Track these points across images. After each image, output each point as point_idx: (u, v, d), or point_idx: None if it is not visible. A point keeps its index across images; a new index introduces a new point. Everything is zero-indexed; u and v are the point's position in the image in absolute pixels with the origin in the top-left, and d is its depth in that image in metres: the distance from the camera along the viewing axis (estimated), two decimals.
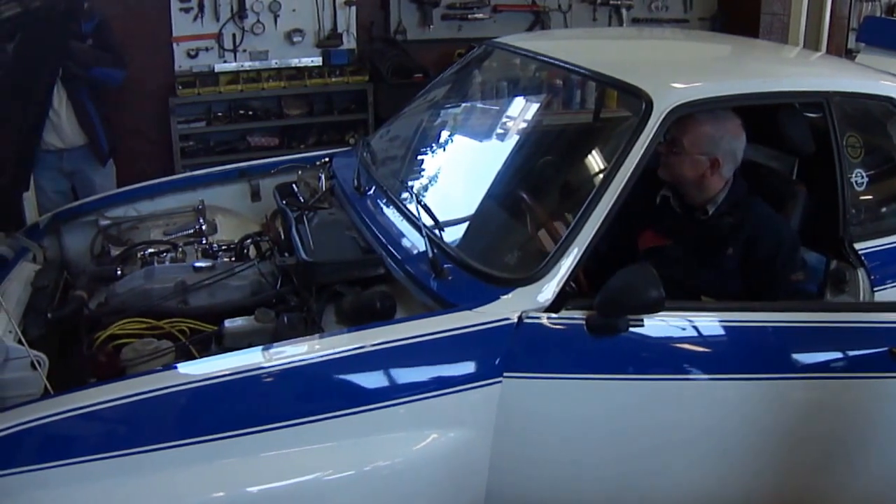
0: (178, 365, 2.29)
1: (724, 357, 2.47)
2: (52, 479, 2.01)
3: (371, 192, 3.15)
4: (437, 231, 2.65)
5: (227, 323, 2.69)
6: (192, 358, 2.47)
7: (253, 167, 3.85)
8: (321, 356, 2.26)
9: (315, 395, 2.27)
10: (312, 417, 2.21)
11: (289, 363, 2.27)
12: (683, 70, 3.04)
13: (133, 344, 2.64)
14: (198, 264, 3.08)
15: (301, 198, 3.44)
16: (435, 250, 2.58)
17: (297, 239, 2.89)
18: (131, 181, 3.97)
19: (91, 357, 2.53)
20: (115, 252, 3.44)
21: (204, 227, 3.46)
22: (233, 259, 3.33)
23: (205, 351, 2.58)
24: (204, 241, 3.46)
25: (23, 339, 2.34)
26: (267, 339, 2.53)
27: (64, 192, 4.71)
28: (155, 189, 3.70)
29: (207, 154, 6.17)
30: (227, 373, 2.22)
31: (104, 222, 3.50)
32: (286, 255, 3.04)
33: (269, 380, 2.25)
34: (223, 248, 3.43)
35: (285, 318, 2.67)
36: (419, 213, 2.70)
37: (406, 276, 2.64)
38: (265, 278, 3.02)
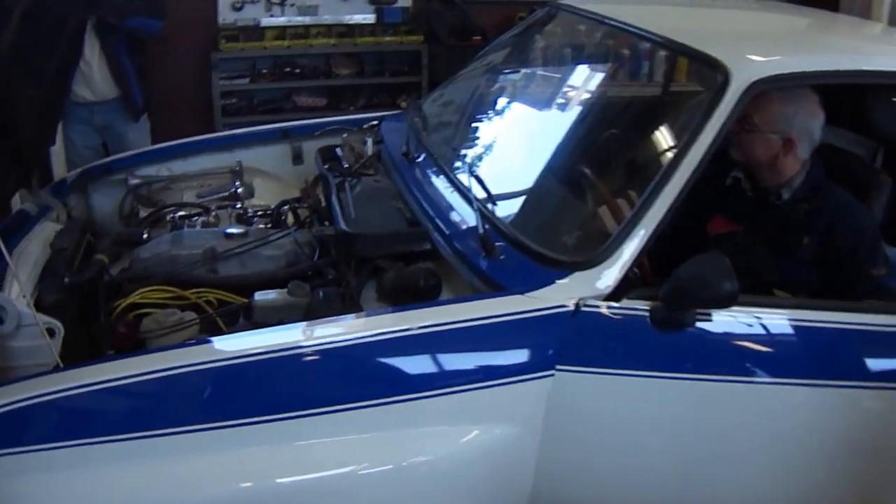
0: (204, 340, 2.22)
1: (797, 359, 2.36)
2: (58, 461, 1.93)
3: (420, 159, 3.04)
4: (489, 205, 2.55)
5: (258, 296, 2.61)
6: (218, 332, 2.43)
7: (296, 128, 3.78)
8: (359, 337, 2.17)
9: (352, 379, 2.17)
10: (349, 405, 2.11)
11: (326, 343, 2.16)
12: (764, 42, 2.85)
13: (154, 314, 2.58)
14: (230, 230, 3.00)
15: (345, 163, 3.36)
16: (486, 226, 2.48)
17: (338, 207, 2.80)
18: (167, 139, 3.91)
19: (110, 326, 2.50)
20: (144, 214, 3.39)
21: (240, 191, 3.41)
22: (268, 226, 3.26)
23: (232, 325, 2.53)
24: (238, 206, 3.40)
25: (30, 304, 2.28)
26: (300, 314, 2.46)
27: (94, 148, 4.68)
28: (189, 147, 3.64)
29: (250, 112, 6.15)
30: (257, 351, 2.11)
31: (134, 181, 3.44)
32: (325, 224, 2.98)
33: (304, 360, 2.14)
34: (258, 213, 3.36)
35: (321, 293, 2.58)
36: (471, 186, 2.60)
37: (453, 254, 2.53)
38: (301, 248, 2.93)
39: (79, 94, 4.44)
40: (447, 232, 2.60)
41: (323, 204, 3.17)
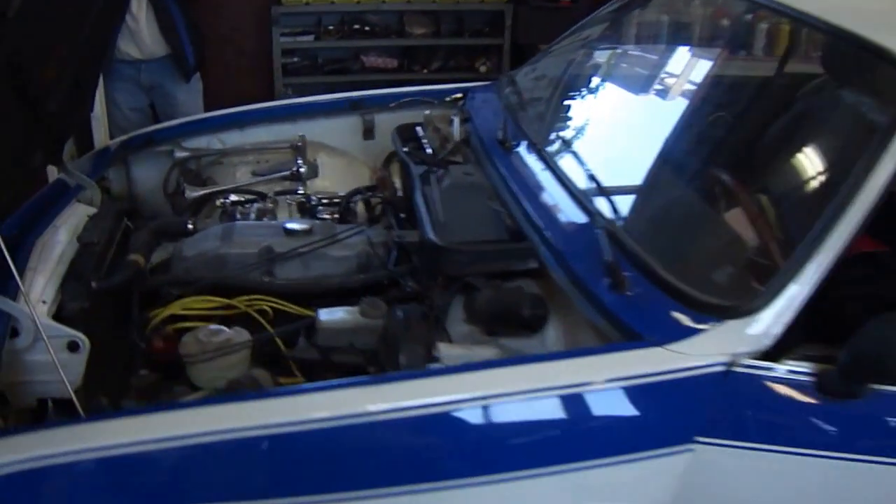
0: (256, 392, 1.96)
1: None
2: None
3: (520, 148, 2.65)
4: (618, 221, 2.16)
5: (323, 315, 2.29)
6: (274, 355, 2.25)
7: (368, 98, 3.48)
8: (445, 400, 1.78)
9: (435, 452, 1.80)
10: (435, 484, 1.77)
11: (399, 410, 1.77)
12: None
13: (196, 331, 2.24)
14: (290, 225, 2.66)
15: (428, 146, 2.99)
16: (614, 250, 2.03)
17: (423, 207, 2.48)
18: (221, 101, 3.65)
19: (145, 341, 2.28)
20: (190, 193, 3.06)
21: (302, 170, 3.11)
22: (335, 216, 2.92)
23: (291, 346, 2.31)
24: (300, 191, 3.06)
25: (32, 310, 1.98)
26: (372, 337, 2.23)
27: (141, 110, 4.39)
28: (246, 117, 3.37)
29: (313, 73, 5.93)
30: (315, 418, 1.75)
31: (181, 154, 3.16)
32: (404, 220, 2.70)
33: (365, 433, 1.76)
34: (324, 200, 3.02)
35: (399, 313, 2.22)
36: (592, 193, 2.26)
37: (568, 279, 2.10)
38: (375, 249, 2.59)
39: (124, 52, 4.15)
40: (560, 249, 2.18)
41: (402, 195, 2.85)
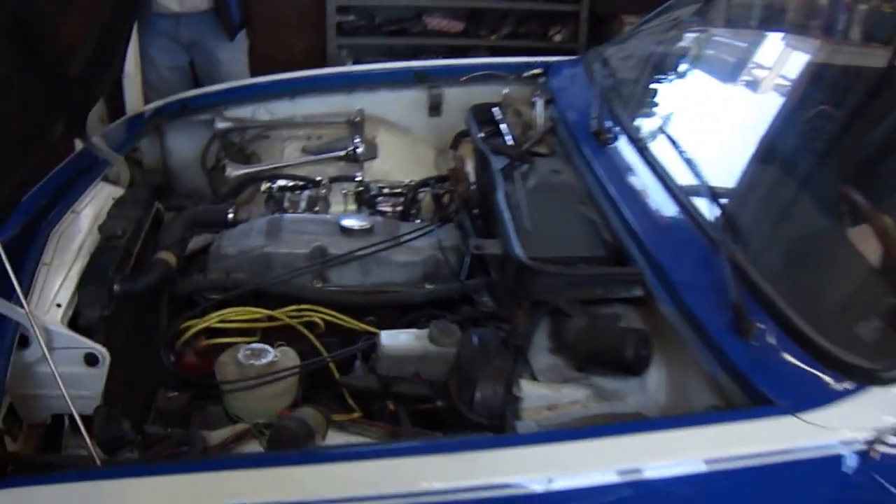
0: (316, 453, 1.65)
1: None
2: None
3: (619, 143, 2.34)
4: (743, 247, 1.82)
5: (386, 339, 2.00)
6: (325, 382, 2.00)
7: (435, 70, 3.21)
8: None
9: None
10: None
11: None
12: None
13: (235, 350, 1.96)
14: (347, 223, 2.38)
15: (508, 132, 2.62)
16: (740, 287, 1.70)
17: (506, 211, 2.14)
18: (268, 64, 3.42)
19: (175, 356, 2.04)
20: (231, 171, 2.79)
21: (360, 150, 2.87)
22: (397, 210, 2.65)
23: (345, 371, 2.05)
24: (358, 177, 2.80)
25: (30, 318, 1.72)
26: (441, 367, 1.93)
27: (180, 69, 4.05)
28: (297, 85, 3.11)
29: (370, 33, 5.67)
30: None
31: (222, 125, 2.92)
32: (478, 219, 2.42)
33: None
34: (385, 190, 2.74)
35: (475, 341, 1.92)
36: (709, 208, 1.93)
37: (680, 315, 1.78)
38: (445, 255, 2.28)
39: (161, 4, 3.81)
40: (672, 278, 1.84)
41: (476, 190, 2.53)
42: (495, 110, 2.77)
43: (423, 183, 2.71)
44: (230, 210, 2.44)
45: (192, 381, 1.99)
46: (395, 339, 1.98)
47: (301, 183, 2.72)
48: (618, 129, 2.40)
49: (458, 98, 3.06)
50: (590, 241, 2.10)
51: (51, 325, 1.82)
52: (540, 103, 2.73)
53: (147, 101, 3.68)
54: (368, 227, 2.33)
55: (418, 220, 2.61)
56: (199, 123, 2.94)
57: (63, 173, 2.39)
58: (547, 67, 3.04)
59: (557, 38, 5.66)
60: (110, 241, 2.13)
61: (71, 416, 1.73)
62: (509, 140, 2.56)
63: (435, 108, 3.14)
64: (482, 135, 2.60)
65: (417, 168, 2.93)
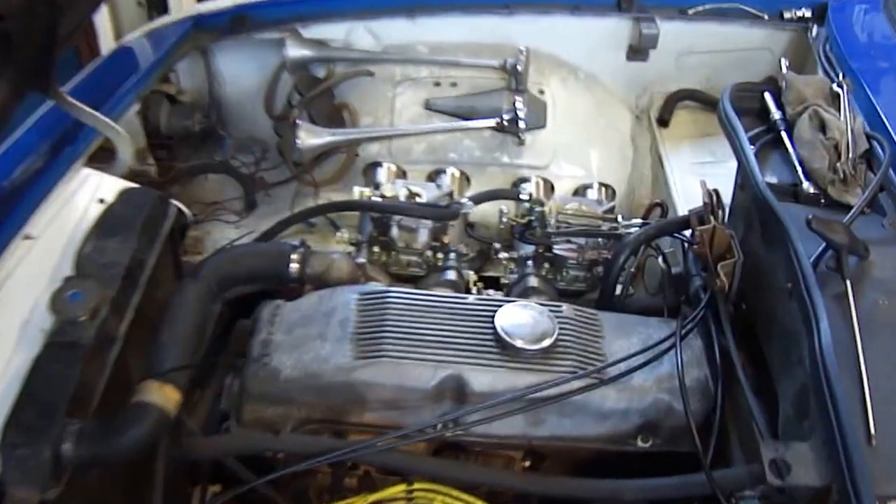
0: None
1: None
2: None
3: None
4: None
5: None
6: None
7: None
8: None
9: None
10: None
11: None
12: None
13: None
14: (508, 323, 1.38)
15: (800, 158, 1.53)
16: None
17: (835, 377, 1.14)
18: None
19: None
20: (306, 140, 1.97)
21: (521, 116, 2.03)
22: (603, 252, 1.77)
23: None
24: (527, 189, 1.95)
25: None
26: None
27: None
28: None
29: None
30: None
31: (296, 52, 2.13)
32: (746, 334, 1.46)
33: None
34: (570, 224, 1.80)
35: None
36: None
37: None
38: (686, 401, 1.35)
39: None
40: None
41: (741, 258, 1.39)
42: (767, 96, 1.64)
43: (646, 235, 1.61)
44: (293, 256, 1.52)
45: None
46: None
47: (419, 195, 1.71)
48: None
49: (678, 39, 2.26)
50: None
51: None
52: (847, 102, 1.56)
53: None
54: (549, 343, 1.32)
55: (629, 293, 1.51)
56: (265, 44, 2.18)
57: (18, 151, 1.42)
58: (819, 5, 2.19)
59: None
60: (69, 331, 1.20)
61: None
62: (798, 163, 1.45)
63: (639, 51, 2.29)
64: (753, 147, 1.44)
65: (607, 148, 2.14)
